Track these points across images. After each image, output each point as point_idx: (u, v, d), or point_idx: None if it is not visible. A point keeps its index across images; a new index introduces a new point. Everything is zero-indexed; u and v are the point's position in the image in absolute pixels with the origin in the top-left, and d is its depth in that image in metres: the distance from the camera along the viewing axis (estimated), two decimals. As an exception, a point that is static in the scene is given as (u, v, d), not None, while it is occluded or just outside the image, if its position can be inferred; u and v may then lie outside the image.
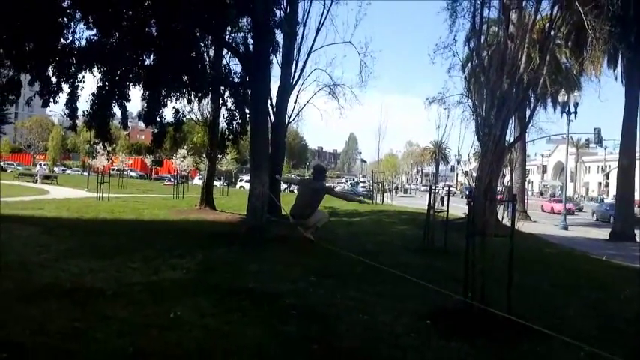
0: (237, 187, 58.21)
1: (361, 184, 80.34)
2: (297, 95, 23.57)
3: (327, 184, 9.32)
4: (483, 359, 5.02)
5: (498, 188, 6.60)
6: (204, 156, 26.23)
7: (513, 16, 7.45)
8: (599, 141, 46.93)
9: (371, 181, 54.56)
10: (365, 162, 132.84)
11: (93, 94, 14.39)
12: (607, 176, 65.84)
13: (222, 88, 17.37)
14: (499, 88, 6.53)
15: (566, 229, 27.80)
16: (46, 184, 42.49)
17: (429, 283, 8.18)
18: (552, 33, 8.44)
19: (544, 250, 16.35)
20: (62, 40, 13.91)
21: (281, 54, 20.88)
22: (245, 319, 5.95)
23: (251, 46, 15.76)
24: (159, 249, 10.67)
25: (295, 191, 55.87)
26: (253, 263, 9.59)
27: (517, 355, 5.21)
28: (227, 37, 16.69)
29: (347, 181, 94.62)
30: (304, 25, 22.14)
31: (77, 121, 15.53)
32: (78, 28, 14.20)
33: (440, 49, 22.49)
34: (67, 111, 14.65)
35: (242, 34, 16.77)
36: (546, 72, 9.05)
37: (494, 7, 7.91)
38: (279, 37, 18.01)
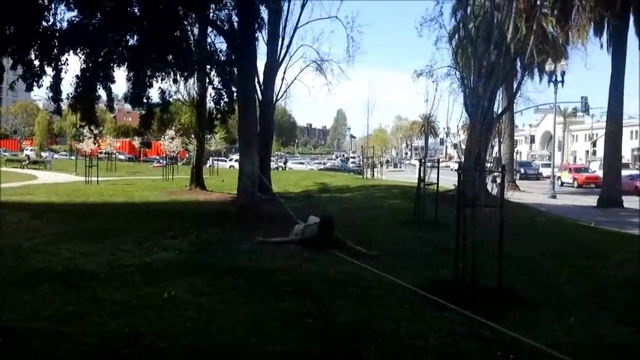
0: (228, 166, 57.88)
1: (351, 160, 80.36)
2: (285, 72, 23.42)
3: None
4: (475, 329, 5.08)
5: (487, 158, 6.62)
6: (193, 136, 26.01)
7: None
8: (586, 109, 47.13)
9: (361, 157, 54.56)
10: (354, 137, 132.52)
11: (77, 76, 14.16)
12: (594, 144, 66.21)
13: (208, 67, 17.14)
14: (487, 59, 6.51)
15: (554, 197, 28.04)
16: (34, 169, 42.15)
17: (420, 257, 8.26)
18: (538, 2, 8.41)
19: (534, 218, 16.51)
20: (43, 23, 13.63)
21: (267, 30, 20.66)
22: (239, 297, 5.98)
23: (236, 24, 15.54)
24: (151, 230, 10.67)
25: (287, 167, 55.20)
26: (246, 242, 9.62)
27: (508, 324, 5.28)
28: (211, 14, 16.42)
29: (337, 157, 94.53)
30: (289, 1, 21.87)
31: (62, 105, 15.32)
32: (59, 9, 13.91)
33: (427, 21, 22.41)
34: (50, 94, 14.43)
35: (226, 11, 16.50)
36: (533, 41, 9.04)
37: (480, -24, 7.84)
38: (264, 13, 17.79)
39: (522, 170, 47.72)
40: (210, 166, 43.04)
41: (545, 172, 44.69)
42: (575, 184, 37.60)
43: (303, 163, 63.42)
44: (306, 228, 9.49)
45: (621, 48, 23.70)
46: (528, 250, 9.56)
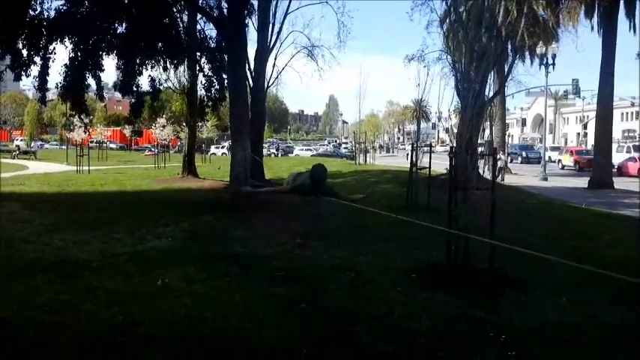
0: (220, 153, 57.55)
1: (343, 145, 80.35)
2: (275, 59, 23.32)
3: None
4: (468, 310, 5.13)
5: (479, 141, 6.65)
6: (184, 124, 25.88)
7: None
8: (577, 92, 47.05)
9: (353, 142, 54.60)
10: (346, 123, 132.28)
11: (65, 65, 14.03)
12: (585, 126, 66.29)
13: (198, 54, 17.04)
14: (478, 43, 6.50)
15: (546, 179, 28.15)
16: (24, 159, 41.86)
17: (413, 241, 8.30)
18: (528, -16, 8.38)
19: (525, 201, 16.58)
20: (31, 12, 13.49)
21: (257, 17, 20.52)
22: (233, 283, 6.00)
23: (225, 10, 15.42)
24: (143, 219, 10.64)
25: (295, 154, 55.48)
26: (239, 229, 9.62)
27: (500, 304, 5.34)
28: (200, 1, 16.30)
29: (329, 143, 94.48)
30: (279, -14, 21.69)
31: (48, 94, 15.19)
32: (46, -2, 13.76)
33: (417, 5, 22.38)
34: (36, 83, 14.29)
35: (216, -3, 16.39)
36: (524, 24, 9.02)
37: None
38: (254, -1, 17.69)
39: (524, 154, 47.35)
40: (212, 154, 42.86)
41: (549, 155, 43.96)
42: (577, 167, 37.11)
43: (310, 150, 64.80)
44: (298, 176, 9.44)
45: (612, 30, 23.70)
46: (519, 232, 9.60)
